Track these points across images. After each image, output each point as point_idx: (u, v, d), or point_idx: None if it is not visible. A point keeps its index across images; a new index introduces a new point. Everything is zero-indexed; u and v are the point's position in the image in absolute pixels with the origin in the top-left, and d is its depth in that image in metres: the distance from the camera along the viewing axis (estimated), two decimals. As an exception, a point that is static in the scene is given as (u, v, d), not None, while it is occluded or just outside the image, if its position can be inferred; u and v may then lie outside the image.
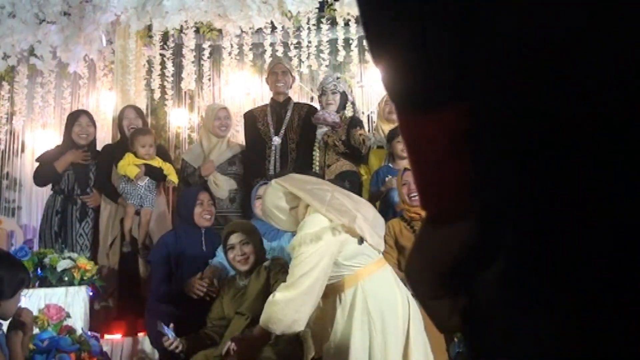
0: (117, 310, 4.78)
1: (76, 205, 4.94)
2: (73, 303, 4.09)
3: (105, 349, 4.04)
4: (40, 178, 5.09)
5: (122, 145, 4.98)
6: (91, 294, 4.25)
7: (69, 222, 4.92)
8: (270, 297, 2.61)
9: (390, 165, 4.55)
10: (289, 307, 2.54)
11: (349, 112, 4.93)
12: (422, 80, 0.59)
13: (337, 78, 4.95)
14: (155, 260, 4.01)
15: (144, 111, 5.64)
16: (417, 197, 3.83)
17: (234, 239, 3.44)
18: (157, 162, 4.80)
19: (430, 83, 0.58)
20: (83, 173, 4.99)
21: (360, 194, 4.52)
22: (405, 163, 4.39)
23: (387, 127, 4.83)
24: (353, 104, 5.01)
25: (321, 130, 4.76)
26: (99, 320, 4.60)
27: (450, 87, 0.58)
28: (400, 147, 4.48)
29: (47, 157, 5.07)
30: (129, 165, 4.67)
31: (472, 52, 0.56)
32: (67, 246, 4.79)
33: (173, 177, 4.82)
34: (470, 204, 0.60)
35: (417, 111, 0.60)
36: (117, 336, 4.51)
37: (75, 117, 5.13)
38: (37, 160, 5.26)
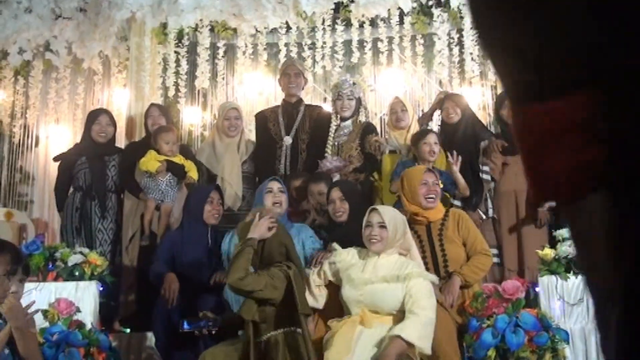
0: (133, 305, 4.80)
1: (94, 201, 4.97)
2: (83, 298, 4.12)
3: (114, 344, 4.06)
4: (56, 192, 5.19)
5: (145, 143, 5.00)
6: (101, 289, 4.27)
7: (89, 218, 4.94)
8: (424, 318, 3.07)
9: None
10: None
11: (362, 117, 4.93)
12: (538, 70, 0.57)
13: (354, 84, 4.90)
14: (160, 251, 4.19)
15: (158, 108, 5.64)
16: (433, 199, 3.71)
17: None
18: (179, 159, 4.82)
19: (547, 73, 0.57)
20: (99, 169, 5.01)
21: (373, 197, 4.49)
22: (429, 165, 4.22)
23: (396, 134, 4.79)
24: (365, 108, 5.00)
25: (337, 180, 4.58)
26: (117, 313, 4.66)
27: (569, 76, 0.55)
28: (427, 149, 4.27)
29: (64, 160, 5.12)
30: (150, 161, 4.71)
31: (602, 37, 0.53)
32: (87, 241, 4.82)
33: (193, 174, 4.84)
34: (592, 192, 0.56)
35: (524, 102, 0.59)
36: (126, 330, 4.55)
37: (95, 116, 5.16)
38: (54, 159, 5.32)
